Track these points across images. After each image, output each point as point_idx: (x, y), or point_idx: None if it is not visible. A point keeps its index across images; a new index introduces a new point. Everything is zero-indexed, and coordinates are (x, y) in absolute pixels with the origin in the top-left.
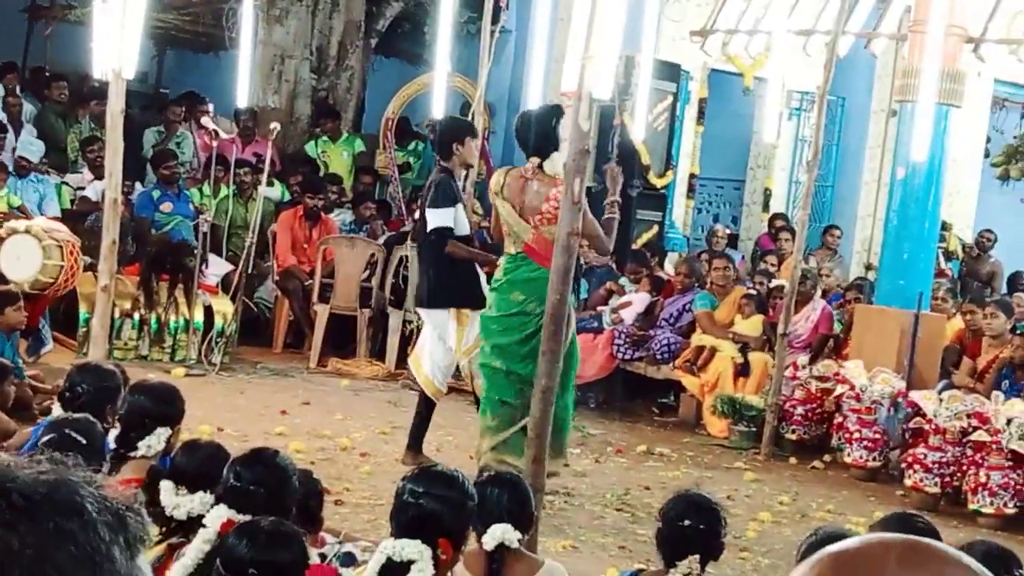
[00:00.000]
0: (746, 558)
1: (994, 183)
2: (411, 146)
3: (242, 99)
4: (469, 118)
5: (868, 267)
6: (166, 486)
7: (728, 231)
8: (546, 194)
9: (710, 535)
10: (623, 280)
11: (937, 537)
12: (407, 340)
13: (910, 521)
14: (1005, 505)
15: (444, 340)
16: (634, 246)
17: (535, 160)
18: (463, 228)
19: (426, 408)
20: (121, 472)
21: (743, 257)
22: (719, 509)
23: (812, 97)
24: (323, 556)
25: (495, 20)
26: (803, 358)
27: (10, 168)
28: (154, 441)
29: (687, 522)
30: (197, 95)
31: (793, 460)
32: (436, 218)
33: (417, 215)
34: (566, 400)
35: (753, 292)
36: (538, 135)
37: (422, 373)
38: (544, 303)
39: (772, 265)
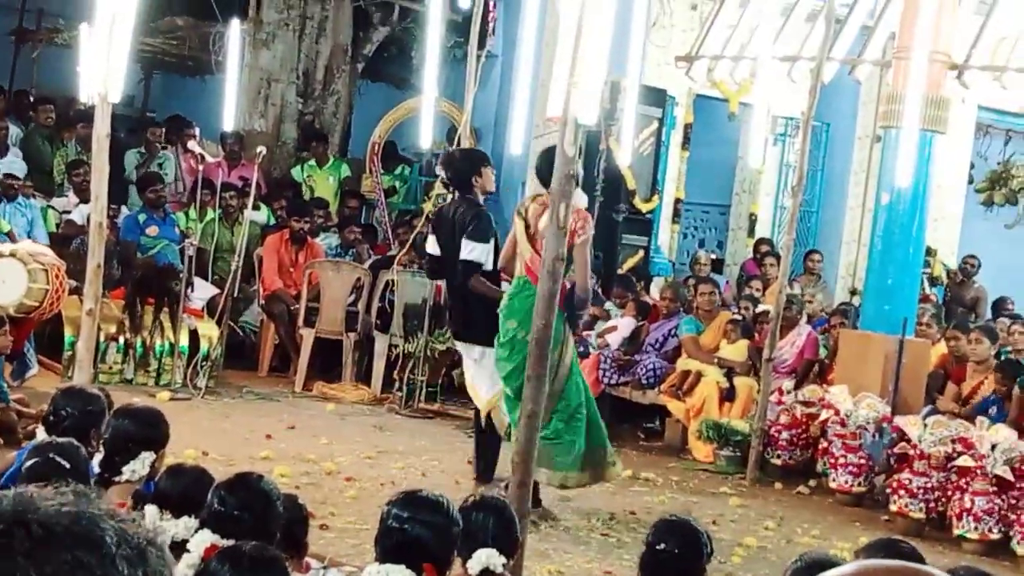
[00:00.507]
0: None
1: (978, 209)
2: (397, 170)
3: (228, 123)
4: (455, 143)
5: (853, 292)
6: (150, 511)
7: (712, 256)
8: None
9: (686, 560)
10: (608, 305)
11: (922, 563)
12: (393, 364)
13: (895, 546)
14: (990, 531)
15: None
16: (620, 271)
17: None
18: (489, 263)
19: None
20: (105, 497)
21: (727, 282)
22: (700, 535)
23: (797, 123)
24: None
25: (481, 45)
26: (788, 383)
27: None
28: (138, 466)
29: (663, 546)
30: (182, 119)
31: (778, 485)
32: (472, 251)
33: (431, 241)
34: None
35: (738, 317)
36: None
37: (482, 400)
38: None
39: (757, 290)
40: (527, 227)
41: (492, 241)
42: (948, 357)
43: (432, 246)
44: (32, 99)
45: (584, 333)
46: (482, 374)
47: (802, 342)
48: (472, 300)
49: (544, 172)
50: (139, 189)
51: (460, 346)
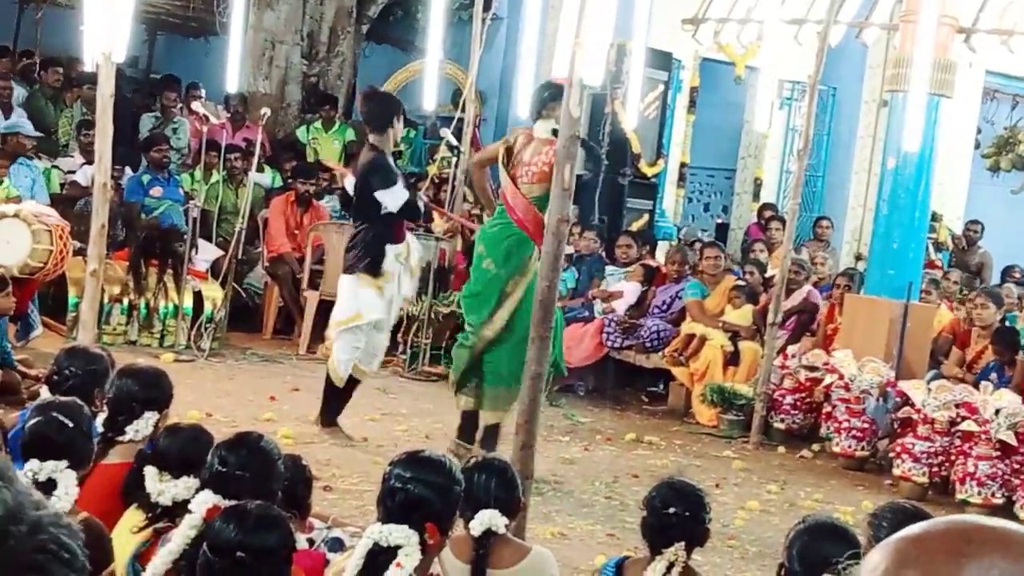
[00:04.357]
0: (734, 546)
1: (984, 174)
2: (402, 134)
3: (232, 84)
4: (460, 105)
5: (858, 257)
6: (150, 472)
7: (719, 220)
8: (540, 150)
9: (694, 522)
10: (611, 269)
11: None
12: (396, 327)
13: (904, 510)
14: (993, 495)
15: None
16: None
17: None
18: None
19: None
20: (109, 456)
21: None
22: (703, 495)
23: (803, 87)
24: (311, 541)
25: (487, 7)
26: (793, 347)
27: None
28: (142, 425)
29: (671, 510)
30: (175, 78)
31: (782, 449)
32: (396, 197)
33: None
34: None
35: (743, 283)
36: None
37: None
38: (502, 264)
39: (761, 251)
40: (510, 154)
41: (400, 180)
42: (958, 322)
43: (349, 183)
44: (38, 60)
45: (591, 296)
46: (339, 301)
47: (801, 298)
48: (362, 238)
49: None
50: (144, 149)
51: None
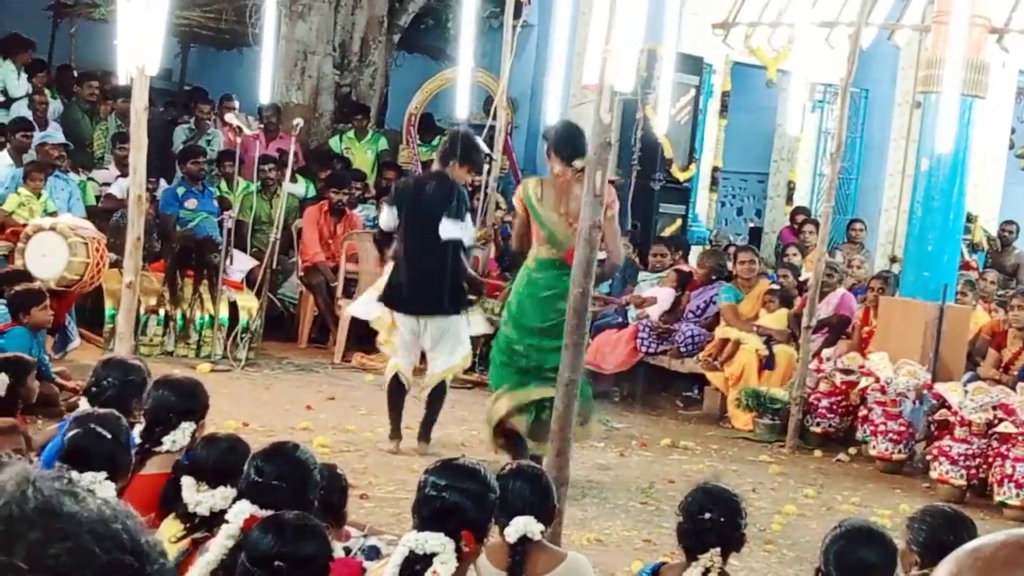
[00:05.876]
0: (771, 551)
1: (1019, 174)
2: (434, 142)
3: (265, 95)
4: (492, 113)
5: (893, 259)
6: (187, 482)
7: (752, 224)
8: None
9: (730, 527)
10: (643, 275)
11: (973, 528)
12: None
13: (945, 514)
14: None
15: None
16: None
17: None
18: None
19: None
20: (146, 467)
21: None
22: (738, 500)
23: (835, 89)
24: (348, 550)
25: (517, 15)
26: (828, 351)
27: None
28: (179, 436)
29: (707, 515)
30: (204, 91)
31: (818, 453)
32: (460, 230)
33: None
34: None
35: (777, 287)
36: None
37: (439, 367)
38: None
39: (794, 255)
40: (561, 212)
41: (468, 218)
42: (997, 323)
43: (388, 219)
44: (76, 74)
45: (624, 301)
46: (447, 343)
47: (836, 301)
48: (447, 273)
49: (564, 147)
50: (180, 161)
51: (420, 321)
